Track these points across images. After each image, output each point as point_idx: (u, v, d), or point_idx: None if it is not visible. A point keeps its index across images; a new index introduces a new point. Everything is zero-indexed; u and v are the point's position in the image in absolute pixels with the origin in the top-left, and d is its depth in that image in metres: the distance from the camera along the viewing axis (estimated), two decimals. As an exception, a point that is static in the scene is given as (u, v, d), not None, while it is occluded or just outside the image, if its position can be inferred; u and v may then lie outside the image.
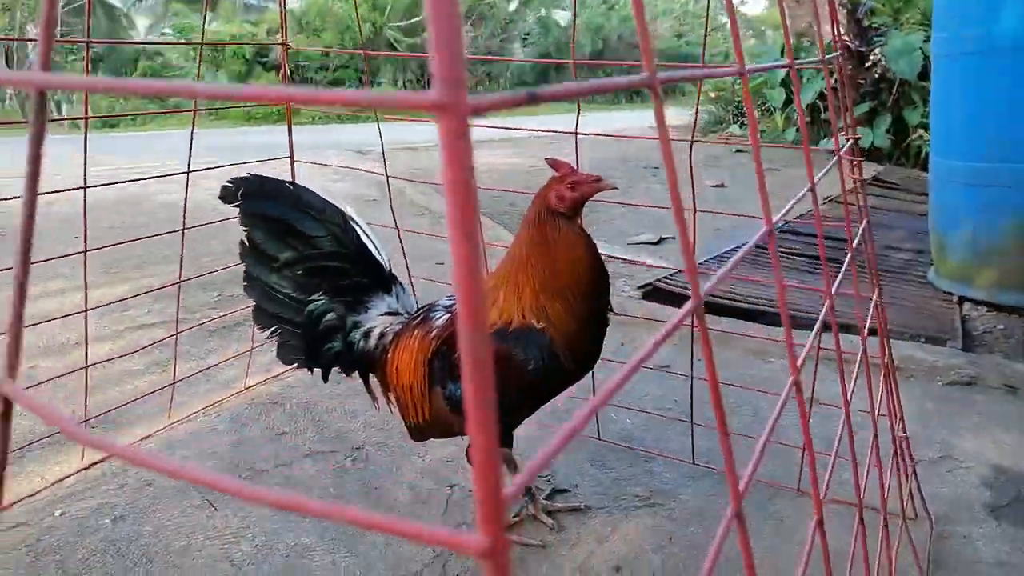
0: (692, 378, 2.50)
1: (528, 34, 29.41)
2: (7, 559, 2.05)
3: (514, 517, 2.26)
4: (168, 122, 17.25)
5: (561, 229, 1.82)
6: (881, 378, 2.08)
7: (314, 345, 2.09)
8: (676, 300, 4.01)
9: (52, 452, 2.53)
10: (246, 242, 2.11)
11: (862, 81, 9.60)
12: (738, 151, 10.55)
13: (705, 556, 1.10)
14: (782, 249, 5.03)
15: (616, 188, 1.84)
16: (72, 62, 18.86)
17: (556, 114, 18.39)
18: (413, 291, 2.36)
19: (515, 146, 10.59)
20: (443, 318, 1.97)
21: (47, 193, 1.29)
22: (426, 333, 1.97)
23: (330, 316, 2.08)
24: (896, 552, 1.93)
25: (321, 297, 2.09)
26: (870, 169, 8.46)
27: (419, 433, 2.11)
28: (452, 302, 2.04)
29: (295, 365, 2.16)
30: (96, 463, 2.46)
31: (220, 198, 2.10)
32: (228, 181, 2.11)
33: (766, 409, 2.87)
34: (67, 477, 2.40)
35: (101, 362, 2.84)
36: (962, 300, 4.13)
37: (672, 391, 3.04)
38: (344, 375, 2.17)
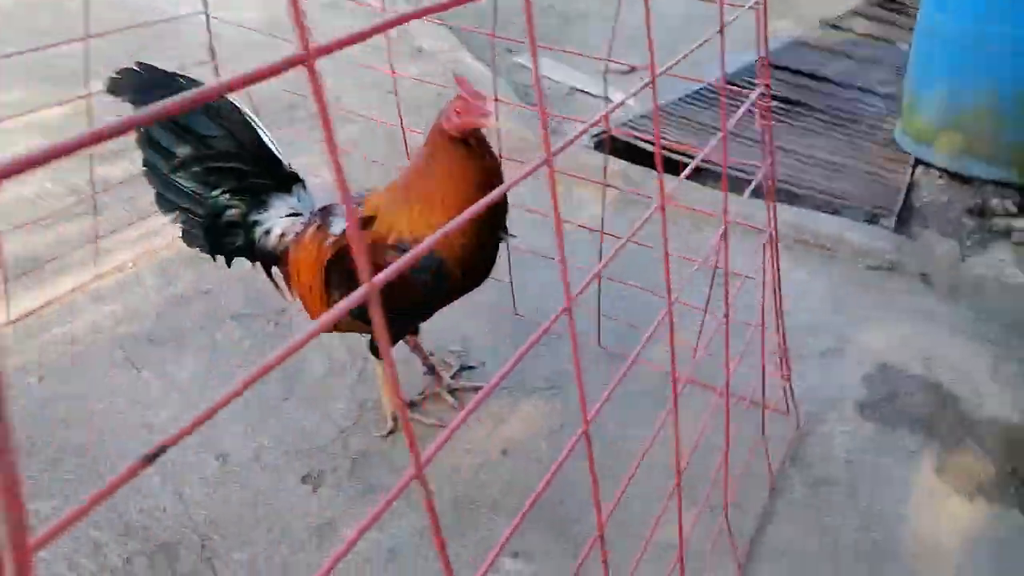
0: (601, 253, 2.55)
1: None
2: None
3: (419, 395, 2.42)
4: None
5: (452, 152, 1.78)
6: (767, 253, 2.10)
7: (216, 238, 2.10)
8: (631, 153, 3.93)
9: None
10: (140, 130, 2.03)
11: None
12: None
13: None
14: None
15: (488, 127, 1.76)
16: None
17: None
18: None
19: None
20: (340, 226, 1.97)
21: None
22: (323, 240, 1.98)
23: (231, 212, 2.06)
24: (751, 447, 2.13)
25: (222, 194, 2.05)
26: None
27: (327, 329, 2.19)
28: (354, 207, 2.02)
29: (198, 250, 2.18)
30: (22, 318, 2.56)
31: (108, 91, 1.98)
32: (116, 72, 1.97)
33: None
34: (-7, 331, 2.50)
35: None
36: (917, 164, 4.08)
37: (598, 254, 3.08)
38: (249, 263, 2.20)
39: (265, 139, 2.02)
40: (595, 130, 4.13)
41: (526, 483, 2.15)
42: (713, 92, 4.81)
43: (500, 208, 1.90)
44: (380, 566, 1.91)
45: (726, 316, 1.82)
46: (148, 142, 2.00)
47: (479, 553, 1.95)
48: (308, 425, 2.30)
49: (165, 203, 2.08)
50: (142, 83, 1.93)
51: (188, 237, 2.13)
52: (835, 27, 6.54)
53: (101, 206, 3.14)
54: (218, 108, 1.94)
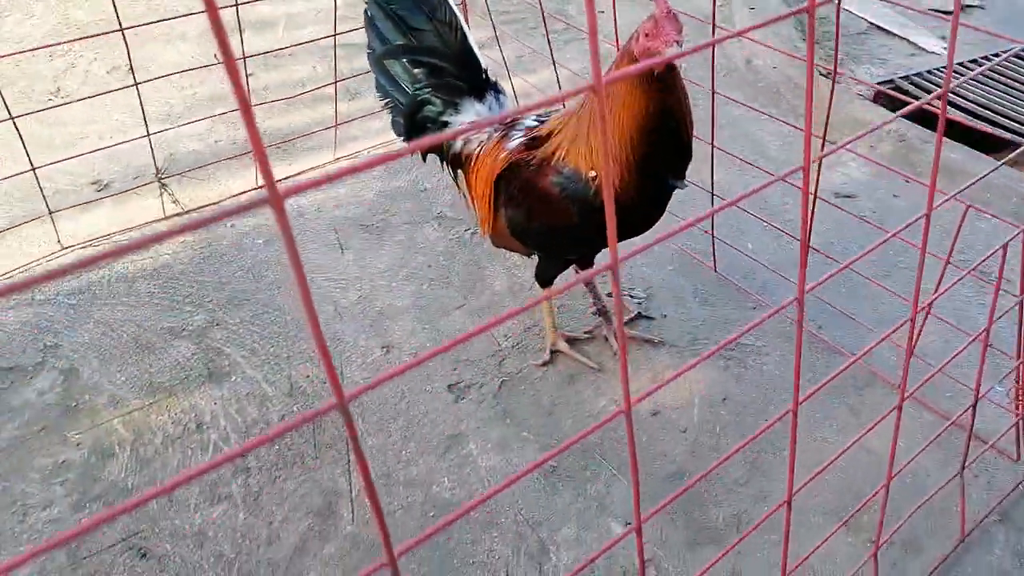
0: (810, 216, 2.20)
1: None
2: (184, 254, 2.59)
3: (585, 333, 2.33)
4: None
5: (633, 79, 1.60)
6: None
7: (412, 131, 2.16)
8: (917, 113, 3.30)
9: (240, 168, 2.98)
10: (366, 13, 2.13)
11: None
12: None
13: (752, 430, 1.12)
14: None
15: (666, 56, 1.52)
16: None
17: None
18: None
19: None
20: (518, 140, 1.90)
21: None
22: (499, 152, 1.93)
23: (429, 108, 2.09)
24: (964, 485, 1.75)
25: (424, 89, 2.09)
26: None
27: (493, 244, 2.18)
28: (535, 123, 1.94)
29: (402, 139, 2.26)
30: (263, 186, 2.87)
31: None
32: None
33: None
34: (244, 192, 2.85)
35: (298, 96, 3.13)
36: None
37: (842, 229, 2.67)
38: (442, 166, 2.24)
39: (470, 43, 2.00)
40: (878, 79, 3.53)
41: (663, 451, 2.00)
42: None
43: (675, 150, 1.69)
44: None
45: (986, 333, 1.47)
46: (369, 24, 2.08)
47: (590, 508, 1.87)
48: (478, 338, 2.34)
49: (380, 88, 2.18)
50: None
51: (395, 126, 2.22)
52: None
53: (354, 94, 3.39)
54: (433, 6, 1.96)
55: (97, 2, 3.97)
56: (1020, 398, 1.88)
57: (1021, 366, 1.84)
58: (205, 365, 2.25)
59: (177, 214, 2.77)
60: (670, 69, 1.59)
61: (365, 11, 2.13)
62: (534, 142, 1.87)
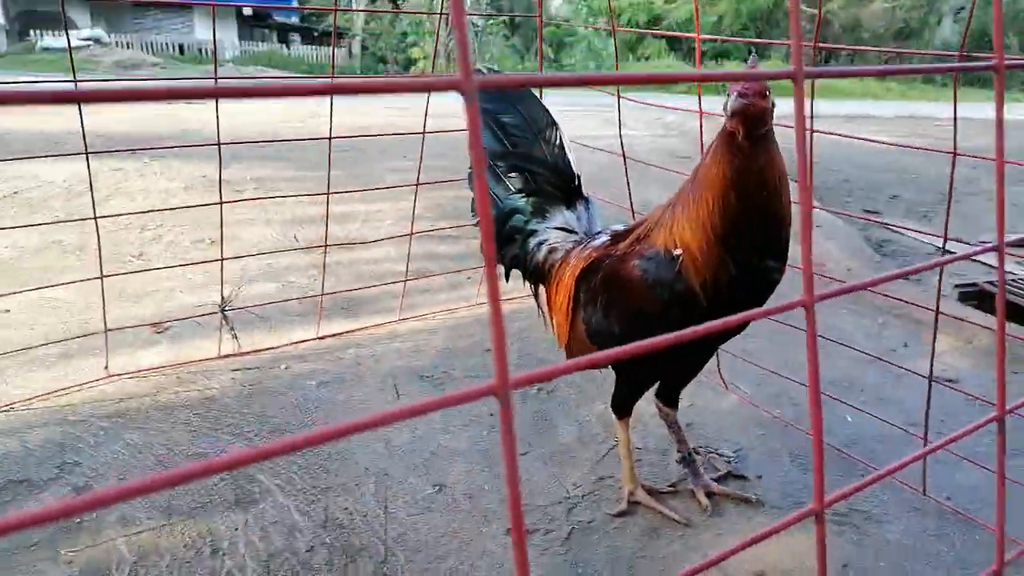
0: (931, 385, 1.95)
1: (962, 8, 25.15)
2: (232, 389, 2.43)
3: (669, 485, 2.02)
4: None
5: (722, 150, 1.51)
6: None
7: (500, 243, 2.09)
8: (1009, 312, 3.15)
9: (301, 321, 2.92)
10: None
11: None
12: None
13: None
14: None
15: (743, 108, 1.43)
16: None
17: (976, 102, 15.70)
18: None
19: (878, 124, 9.28)
20: (601, 240, 1.80)
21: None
22: (583, 253, 1.82)
23: (517, 217, 2.04)
24: None
25: (517, 195, 2.05)
26: None
27: (569, 358, 1.98)
28: (622, 228, 1.85)
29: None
30: (326, 337, 2.79)
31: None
32: (483, 66, 2.22)
33: (1070, 459, 2.13)
34: (303, 342, 2.75)
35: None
36: None
37: (944, 414, 2.40)
38: (524, 283, 2.12)
39: (566, 149, 1.99)
40: (962, 281, 3.42)
41: (777, 617, 1.58)
42: None
43: (767, 223, 1.53)
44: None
45: None
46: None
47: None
48: (537, 481, 2.04)
49: (473, 203, 2.16)
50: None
51: None
52: None
53: (424, 263, 3.42)
54: (531, 111, 1.99)
55: (188, 191, 4.28)
56: None
57: None
58: (233, 491, 1.97)
59: (232, 353, 2.65)
60: (751, 131, 1.46)
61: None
62: (619, 238, 1.77)
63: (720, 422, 2.34)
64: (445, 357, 2.70)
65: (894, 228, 4.40)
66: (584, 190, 2.01)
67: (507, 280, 2.22)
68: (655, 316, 1.62)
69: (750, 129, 1.47)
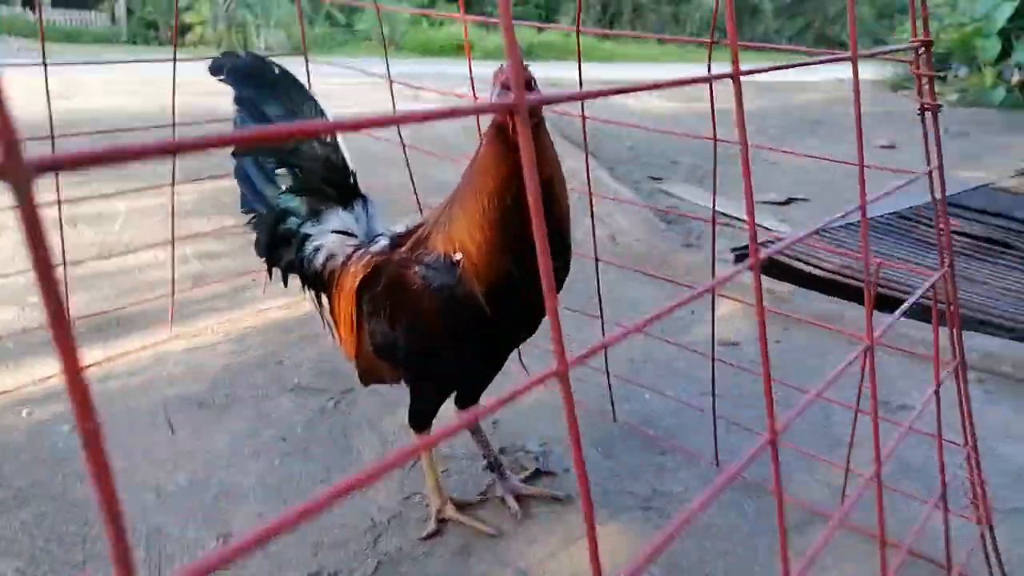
0: (714, 361, 2.02)
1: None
2: (-43, 452, 2.01)
3: (479, 496, 1.93)
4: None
5: (492, 143, 1.41)
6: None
7: (271, 247, 1.87)
8: (776, 271, 3.40)
9: (48, 352, 2.49)
10: (234, 121, 1.92)
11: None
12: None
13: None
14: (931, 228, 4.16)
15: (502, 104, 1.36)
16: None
17: (745, 63, 17.13)
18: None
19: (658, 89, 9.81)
20: (381, 245, 1.65)
21: None
22: (363, 259, 1.66)
23: (291, 220, 1.83)
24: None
25: (288, 195, 1.85)
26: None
27: (360, 376, 1.82)
28: (403, 230, 1.70)
29: (263, 260, 1.95)
30: (85, 368, 2.40)
31: (209, 69, 1.93)
32: (222, 53, 1.94)
33: (838, 413, 2.31)
34: (50, 378, 2.35)
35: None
36: None
37: (732, 375, 2.52)
38: (304, 290, 1.92)
39: (339, 144, 1.81)
40: (738, 244, 3.66)
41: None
42: (881, 224, 4.22)
43: (546, 219, 1.46)
44: None
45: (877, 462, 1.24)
46: (236, 128, 1.87)
47: None
48: (336, 512, 1.87)
49: (244, 203, 1.91)
50: (239, 67, 1.85)
51: (257, 245, 1.93)
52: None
53: (199, 267, 3.08)
54: (301, 102, 1.79)
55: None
56: (982, 510, 1.64)
57: (974, 475, 1.62)
58: (-43, 585, 1.62)
59: (-44, 404, 2.20)
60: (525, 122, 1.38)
61: (233, 119, 1.93)
62: (400, 242, 1.62)
63: (526, 414, 2.30)
64: (228, 377, 2.43)
65: (676, 195, 4.64)
66: (361, 187, 1.83)
67: (285, 285, 2.01)
68: (442, 326, 1.51)
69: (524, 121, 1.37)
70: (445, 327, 1.49)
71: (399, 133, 2.46)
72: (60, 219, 2.39)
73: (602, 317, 2.24)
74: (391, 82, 2.47)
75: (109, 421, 2.16)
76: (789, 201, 4.73)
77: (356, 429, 2.20)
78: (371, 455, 2.09)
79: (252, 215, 1.89)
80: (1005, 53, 9.57)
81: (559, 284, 1.54)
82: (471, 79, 2.15)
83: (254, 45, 18.63)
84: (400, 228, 1.70)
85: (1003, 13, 9.42)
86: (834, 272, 3.35)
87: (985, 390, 2.51)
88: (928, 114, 1.32)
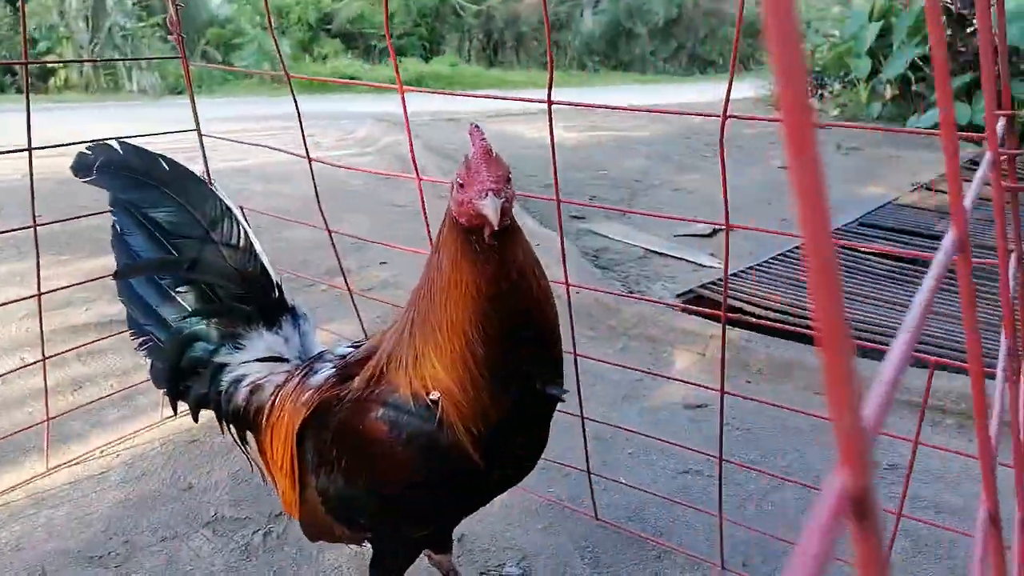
0: (720, 447, 1.77)
1: (599, 1, 27.96)
2: None
3: (457, 642, 1.60)
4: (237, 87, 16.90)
5: (459, 251, 1.12)
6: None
7: (177, 379, 1.48)
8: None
9: None
10: (114, 226, 1.53)
11: (962, 49, 8.44)
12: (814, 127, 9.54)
13: None
14: (852, 253, 4.16)
15: (487, 224, 1.08)
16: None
17: (624, 84, 17.52)
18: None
19: (563, 119, 9.78)
20: (325, 373, 1.31)
21: None
22: (300, 394, 1.31)
23: (199, 345, 1.46)
24: None
25: (194, 318, 1.47)
26: (967, 151, 7.38)
27: (307, 535, 1.47)
28: (349, 350, 1.37)
29: (164, 392, 1.56)
30: (-73, 528, 1.90)
31: (71, 168, 1.53)
32: (87, 147, 1.54)
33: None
34: None
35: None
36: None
37: (708, 443, 2.30)
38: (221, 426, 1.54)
39: (257, 251, 1.45)
40: (682, 289, 3.48)
41: None
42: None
43: (541, 337, 1.19)
44: None
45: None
46: (117, 239, 1.47)
47: None
48: None
49: (132, 324, 1.52)
50: (114, 162, 1.46)
51: (154, 374, 1.54)
52: (928, 188, 6.02)
53: (79, 383, 2.60)
54: (203, 202, 1.42)
55: None
56: None
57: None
58: None
59: None
60: (498, 232, 1.09)
61: (112, 224, 1.54)
62: (348, 372, 1.28)
63: (494, 525, 1.98)
64: (124, 516, 1.98)
65: (604, 235, 4.45)
66: (289, 299, 1.48)
67: (195, 420, 1.62)
68: (418, 483, 1.18)
69: (503, 224, 1.09)
70: (424, 485, 1.17)
71: (314, 184, 2.10)
72: None
73: (579, 394, 1.96)
74: (302, 126, 2.12)
75: (-30, 599, 1.70)
76: (714, 233, 4.63)
77: (292, 569, 1.82)
78: (318, 604, 1.72)
79: (145, 339, 1.50)
80: (875, 70, 10.10)
81: (555, 406, 1.26)
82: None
83: (125, 88, 17.57)
84: (345, 349, 1.37)
85: (870, 34, 9.95)
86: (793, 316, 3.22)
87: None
88: (1010, 195, 1.11)
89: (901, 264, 4.07)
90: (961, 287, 0.54)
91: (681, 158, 7.05)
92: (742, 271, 3.82)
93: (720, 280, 3.63)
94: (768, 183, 6.12)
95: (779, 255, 4.08)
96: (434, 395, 1.14)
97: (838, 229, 4.62)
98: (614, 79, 21.68)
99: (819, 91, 11.79)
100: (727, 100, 1.43)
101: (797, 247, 4.20)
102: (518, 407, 1.16)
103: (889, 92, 9.98)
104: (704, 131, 8.70)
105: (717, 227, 4.77)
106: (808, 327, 2.92)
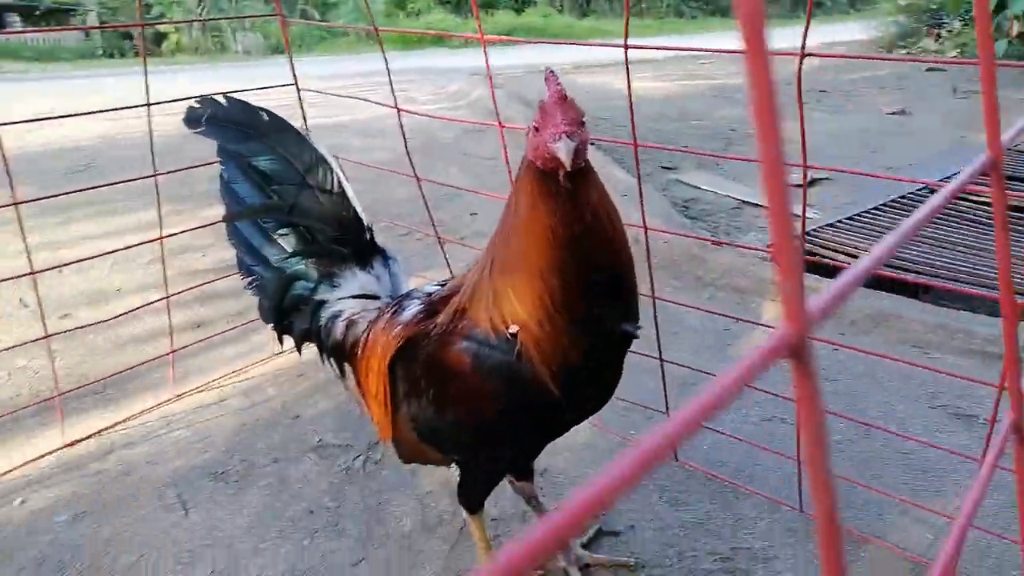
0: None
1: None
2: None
3: (538, 571, 1.71)
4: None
5: (535, 193, 1.18)
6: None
7: (282, 315, 1.63)
8: (815, 267, 3.17)
9: (41, 425, 2.25)
10: (222, 175, 1.68)
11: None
12: (930, 70, 8.95)
13: None
14: (971, 200, 3.94)
15: (560, 165, 1.12)
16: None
17: (724, 31, 16.83)
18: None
19: (654, 67, 9.54)
20: (413, 310, 1.41)
21: None
22: (391, 329, 1.42)
23: (301, 284, 1.60)
24: None
25: (294, 258, 1.61)
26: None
27: (401, 458, 1.60)
28: (436, 288, 1.46)
29: (272, 327, 1.72)
30: (76, 442, 2.16)
31: (183, 120, 1.68)
32: (196, 101, 1.68)
33: (920, 437, 2.09)
34: (44, 456, 2.11)
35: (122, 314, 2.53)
36: None
37: (786, 393, 2.30)
38: (322, 360, 1.69)
39: (350, 198, 1.57)
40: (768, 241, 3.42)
41: None
42: (915, 199, 3.99)
43: (615, 277, 1.24)
44: None
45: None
46: (225, 187, 1.62)
47: None
48: (379, 605, 1.65)
49: (241, 266, 1.68)
50: (220, 115, 1.60)
51: (261, 311, 1.70)
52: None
53: (200, 311, 2.84)
54: (300, 152, 1.55)
55: None
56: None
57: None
58: None
59: (-60, 498, 1.97)
60: (572, 174, 1.15)
61: (220, 174, 1.69)
62: (434, 308, 1.38)
63: (576, 460, 2.07)
64: (242, 440, 2.19)
65: (694, 185, 4.39)
66: (380, 242, 1.59)
67: (299, 353, 1.78)
68: (500, 412, 1.27)
69: (576, 165, 1.14)
70: (504, 413, 1.26)
71: (403, 136, 2.20)
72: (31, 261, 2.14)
73: (658, 337, 2.01)
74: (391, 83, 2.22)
75: (113, 504, 1.93)
76: (813, 182, 4.48)
77: (390, 491, 1.97)
78: (410, 524, 1.86)
79: (253, 278, 1.65)
80: (1001, 5, 9.30)
81: (630, 344, 1.32)
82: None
83: (231, 49, 18.26)
84: (432, 288, 1.46)
85: (996, -34, 9.15)
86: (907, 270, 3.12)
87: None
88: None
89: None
90: None
91: (780, 106, 6.78)
92: (840, 221, 3.71)
93: (816, 230, 3.55)
94: (875, 130, 5.84)
95: (882, 204, 3.93)
96: (513, 328, 1.22)
97: (946, 178, 4.39)
98: (713, 25, 20.86)
99: (936, 30, 11.00)
100: (804, 37, 1.42)
101: (900, 197, 4.03)
102: (593, 342, 1.22)
103: (1016, 29, 9.19)
104: (807, 77, 8.32)
105: (813, 177, 4.62)
106: (905, 280, 2.84)
